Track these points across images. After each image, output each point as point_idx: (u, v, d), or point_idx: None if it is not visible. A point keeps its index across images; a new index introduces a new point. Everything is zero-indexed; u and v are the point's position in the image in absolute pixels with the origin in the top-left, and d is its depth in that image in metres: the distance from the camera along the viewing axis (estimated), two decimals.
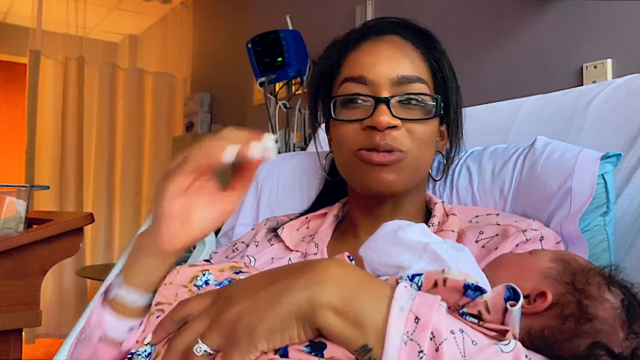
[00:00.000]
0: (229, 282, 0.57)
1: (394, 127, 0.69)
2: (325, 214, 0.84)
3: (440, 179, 0.85)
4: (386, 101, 0.69)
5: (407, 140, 0.70)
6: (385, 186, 0.71)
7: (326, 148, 0.92)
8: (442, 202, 0.80)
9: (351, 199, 0.81)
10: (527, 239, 0.67)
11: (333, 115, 0.73)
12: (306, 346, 0.44)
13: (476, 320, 0.45)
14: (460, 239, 0.72)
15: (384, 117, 0.68)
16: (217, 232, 1.20)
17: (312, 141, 0.97)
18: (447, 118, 0.77)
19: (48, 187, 1.47)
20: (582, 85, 1.46)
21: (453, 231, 0.73)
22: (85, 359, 0.59)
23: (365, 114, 0.70)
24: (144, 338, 0.53)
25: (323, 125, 0.90)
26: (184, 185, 0.57)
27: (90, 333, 0.59)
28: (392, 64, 0.71)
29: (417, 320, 0.42)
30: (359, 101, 0.72)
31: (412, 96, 0.71)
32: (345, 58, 0.75)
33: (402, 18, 0.78)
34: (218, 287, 0.56)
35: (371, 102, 0.70)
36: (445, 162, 0.83)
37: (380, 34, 0.75)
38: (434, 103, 0.72)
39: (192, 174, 0.56)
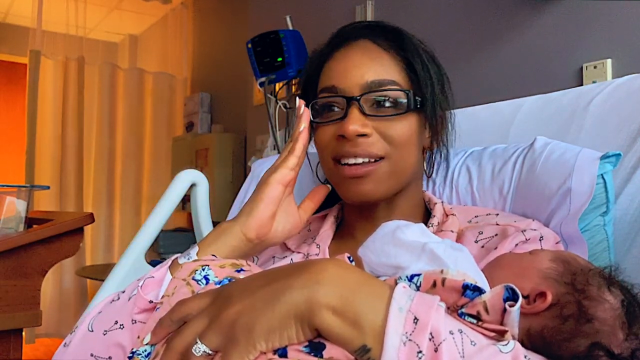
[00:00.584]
0: (229, 280, 0.57)
1: (364, 135, 0.69)
2: (325, 215, 0.84)
3: (430, 175, 0.83)
4: (357, 100, 0.70)
5: (382, 145, 0.70)
6: (364, 197, 0.72)
7: None
8: (442, 202, 0.80)
9: (345, 203, 0.82)
10: (526, 239, 0.67)
11: (312, 120, 0.74)
12: (305, 346, 0.44)
13: (475, 321, 0.45)
14: (459, 239, 0.72)
15: (353, 125, 0.68)
16: None
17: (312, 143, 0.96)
18: (426, 112, 0.75)
19: (48, 187, 1.47)
20: (582, 85, 1.46)
21: (452, 231, 0.73)
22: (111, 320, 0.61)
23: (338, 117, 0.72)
24: (144, 337, 0.53)
25: None
26: (287, 180, 0.69)
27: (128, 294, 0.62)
28: (360, 71, 0.71)
29: (416, 320, 0.42)
30: (334, 108, 0.73)
31: (380, 93, 0.70)
32: (322, 68, 0.77)
33: (375, 21, 0.78)
34: (218, 285, 0.56)
35: (343, 105, 0.71)
36: (432, 157, 0.82)
37: (350, 40, 0.75)
38: (406, 99, 0.71)
39: (295, 170, 0.70)
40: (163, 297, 0.57)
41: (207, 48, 3.84)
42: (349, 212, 0.81)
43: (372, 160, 0.70)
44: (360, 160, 0.70)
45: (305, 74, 0.81)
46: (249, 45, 2.47)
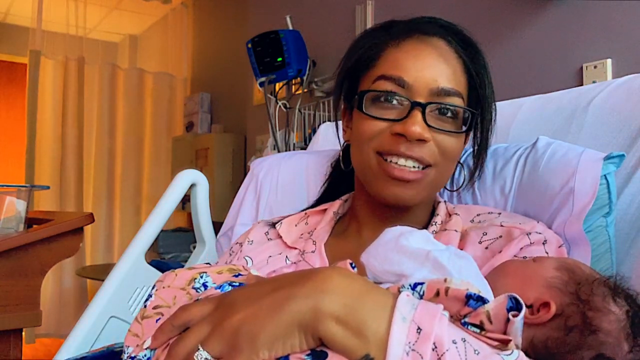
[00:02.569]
0: (229, 284, 0.56)
1: (423, 140, 0.67)
2: (325, 210, 0.83)
3: (456, 190, 0.85)
4: (422, 107, 0.67)
5: (435, 155, 0.69)
6: (403, 201, 0.70)
7: (328, 147, 0.92)
8: (445, 201, 0.80)
9: (358, 195, 0.79)
10: (530, 242, 0.67)
11: (363, 110, 0.69)
12: (307, 355, 0.44)
13: (478, 330, 0.45)
14: (463, 239, 0.72)
15: (416, 127, 0.65)
16: (216, 233, 1.20)
17: (315, 139, 0.96)
18: (477, 134, 0.76)
19: (48, 187, 1.46)
20: (582, 85, 1.46)
21: (456, 231, 0.72)
22: None
23: (397, 116, 0.68)
24: (143, 342, 0.53)
25: (323, 125, 0.90)
26: None
27: None
28: (434, 73, 0.68)
29: (419, 330, 0.42)
30: (394, 102, 0.68)
31: (450, 107, 0.68)
32: (384, 52, 0.71)
33: (450, 22, 0.74)
34: (218, 290, 0.55)
35: (406, 105, 0.67)
36: (470, 177, 0.82)
37: (425, 34, 0.71)
38: (469, 117, 0.70)
39: None
40: (162, 307, 0.56)
41: (207, 48, 3.84)
42: (360, 205, 0.78)
43: (422, 167, 0.69)
44: (411, 164, 0.68)
45: (356, 54, 0.74)
46: (249, 45, 2.47)
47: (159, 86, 3.95)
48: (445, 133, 0.68)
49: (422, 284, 0.48)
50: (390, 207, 0.73)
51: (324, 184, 0.93)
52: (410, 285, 0.48)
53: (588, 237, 0.71)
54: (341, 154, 0.83)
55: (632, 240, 0.75)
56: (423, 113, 0.66)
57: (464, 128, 0.70)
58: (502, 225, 0.71)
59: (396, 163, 0.68)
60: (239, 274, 0.59)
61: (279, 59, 2.37)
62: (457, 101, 0.69)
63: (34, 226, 1.26)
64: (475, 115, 0.71)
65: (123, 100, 3.88)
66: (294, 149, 2.44)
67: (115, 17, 4.19)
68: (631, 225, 0.75)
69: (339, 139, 0.84)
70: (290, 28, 2.50)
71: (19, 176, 3.56)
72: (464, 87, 0.71)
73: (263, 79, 2.43)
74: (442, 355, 0.41)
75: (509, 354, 0.43)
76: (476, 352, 0.42)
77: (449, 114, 0.69)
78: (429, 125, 0.67)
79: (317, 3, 2.56)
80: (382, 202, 0.72)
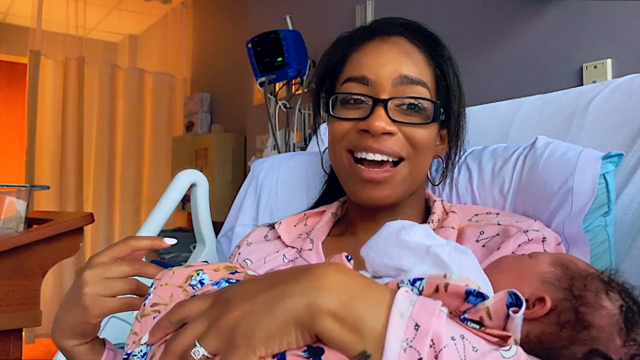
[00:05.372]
0: (226, 281, 0.56)
1: (389, 133, 0.69)
2: (324, 211, 0.84)
3: (439, 184, 0.85)
4: (384, 103, 0.69)
5: (404, 146, 0.70)
6: (377, 202, 0.72)
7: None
8: (442, 200, 0.80)
9: (349, 200, 0.81)
10: (529, 239, 0.67)
11: (331, 113, 0.73)
12: (304, 351, 0.44)
13: (478, 326, 0.45)
14: (460, 236, 0.72)
15: (380, 122, 0.68)
16: (216, 233, 1.20)
17: (314, 140, 0.96)
18: (448, 123, 0.76)
19: (48, 187, 1.46)
20: (582, 85, 1.46)
21: (453, 228, 0.73)
22: None
23: (363, 114, 0.70)
24: (140, 338, 0.53)
25: (323, 125, 0.90)
26: None
27: None
28: (395, 65, 0.70)
29: (417, 327, 0.41)
30: (358, 101, 0.71)
31: (412, 100, 0.70)
32: (350, 56, 0.74)
33: (410, 20, 0.77)
34: (214, 287, 0.56)
35: (370, 103, 0.70)
36: (444, 166, 0.83)
37: (386, 34, 0.74)
38: (434, 108, 0.71)
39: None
40: (159, 305, 0.56)
41: (207, 48, 3.84)
42: (352, 209, 0.81)
43: (392, 160, 0.70)
44: (379, 158, 0.69)
45: (325, 62, 0.78)
46: (249, 45, 2.47)
47: (158, 86, 3.95)
48: (411, 125, 0.70)
49: (421, 279, 0.48)
50: (371, 208, 0.74)
51: (322, 186, 0.94)
52: (409, 281, 0.48)
53: (587, 237, 0.71)
54: (321, 158, 0.87)
55: (632, 240, 0.75)
56: (385, 108, 0.69)
57: (430, 120, 0.72)
58: (499, 224, 0.71)
59: (364, 159, 0.70)
60: (236, 271, 0.59)
61: (279, 59, 2.37)
62: (422, 91, 0.71)
63: (34, 226, 1.26)
64: (438, 105, 0.72)
65: (123, 100, 3.88)
66: (294, 149, 2.45)
67: (115, 17, 4.19)
68: (631, 225, 0.75)
69: (318, 146, 0.88)
70: (290, 28, 2.50)
71: (19, 176, 3.56)
72: (428, 78, 0.72)
73: (263, 79, 2.43)
74: (439, 351, 0.41)
75: (508, 350, 0.43)
76: (474, 349, 0.42)
77: (413, 107, 0.70)
78: (393, 120, 0.69)
79: (317, 3, 2.56)
80: (360, 205, 0.74)
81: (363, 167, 0.70)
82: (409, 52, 0.72)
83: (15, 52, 4.32)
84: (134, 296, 0.66)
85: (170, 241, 0.68)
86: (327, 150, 0.81)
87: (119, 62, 4.13)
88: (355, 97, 0.71)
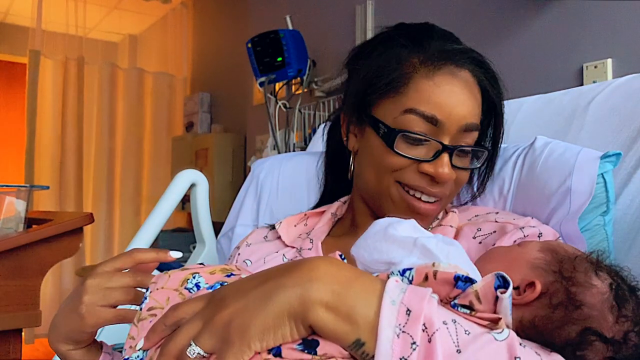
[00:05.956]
0: (221, 284, 0.56)
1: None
2: (324, 211, 0.84)
3: (479, 196, 0.85)
4: (451, 151, 0.69)
5: (451, 188, 0.73)
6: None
7: (322, 149, 0.92)
8: None
9: (358, 204, 0.80)
10: (524, 236, 0.68)
11: (394, 148, 0.69)
12: (299, 344, 0.44)
13: (468, 311, 0.46)
14: (457, 234, 0.73)
15: (445, 169, 0.68)
16: (216, 233, 1.20)
17: (315, 140, 0.96)
18: (486, 168, 0.80)
19: (48, 187, 1.46)
20: (582, 85, 1.46)
21: (452, 226, 0.74)
22: None
23: (425, 155, 0.69)
24: (136, 344, 0.53)
25: (323, 124, 0.90)
26: None
27: None
28: (464, 111, 0.69)
29: (408, 312, 0.42)
30: (422, 141, 0.69)
31: (473, 150, 0.72)
32: (414, 80, 0.69)
33: (478, 53, 0.73)
34: (210, 290, 0.55)
35: (435, 145, 0.69)
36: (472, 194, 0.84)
37: (455, 65, 0.69)
38: (485, 158, 0.75)
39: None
40: (156, 308, 0.56)
41: (207, 48, 3.84)
42: (359, 213, 0.80)
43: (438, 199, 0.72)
44: (432, 200, 0.71)
45: (375, 66, 0.72)
46: (249, 45, 2.47)
47: (158, 86, 3.95)
48: (464, 170, 0.73)
49: (410, 269, 0.49)
50: None
51: (321, 189, 0.94)
52: (399, 272, 0.49)
53: (585, 236, 0.72)
54: (325, 157, 0.88)
55: (632, 240, 0.75)
56: (450, 155, 0.69)
57: (477, 163, 0.75)
58: (496, 222, 0.72)
59: (415, 196, 0.71)
60: (232, 274, 0.59)
61: (279, 59, 2.37)
62: (476, 135, 0.73)
63: (34, 226, 1.26)
64: (489, 153, 0.76)
65: (123, 100, 3.88)
66: (294, 149, 2.45)
67: (115, 17, 4.19)
68: (631, 225, 0.75)
69: (329, 141, 0.88)
70: (290, 28, 2.50)
71: (19, 176, 3.56)
72: (480, 116, 0.73)
73: (263, 78, 2.43)
74: (432, 335, 0.41)
75: (500, 333, 0.44)
76: (467, 332, 0.43)
77: (470, 156, 0.73)
78: (453, 166, 0.70)
79: (317, 3, 2.56)
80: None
81: (421, 203, 0.71)
82: (473, 90, 0.70)
83: (14, 52, 4.32)
84: (133, 307, 0.66)
85: (175, 254, 0.68)
86: (322, 154, 0.81)
87: (118, 62, 4.13)
88: (423, 138, 0.68)
